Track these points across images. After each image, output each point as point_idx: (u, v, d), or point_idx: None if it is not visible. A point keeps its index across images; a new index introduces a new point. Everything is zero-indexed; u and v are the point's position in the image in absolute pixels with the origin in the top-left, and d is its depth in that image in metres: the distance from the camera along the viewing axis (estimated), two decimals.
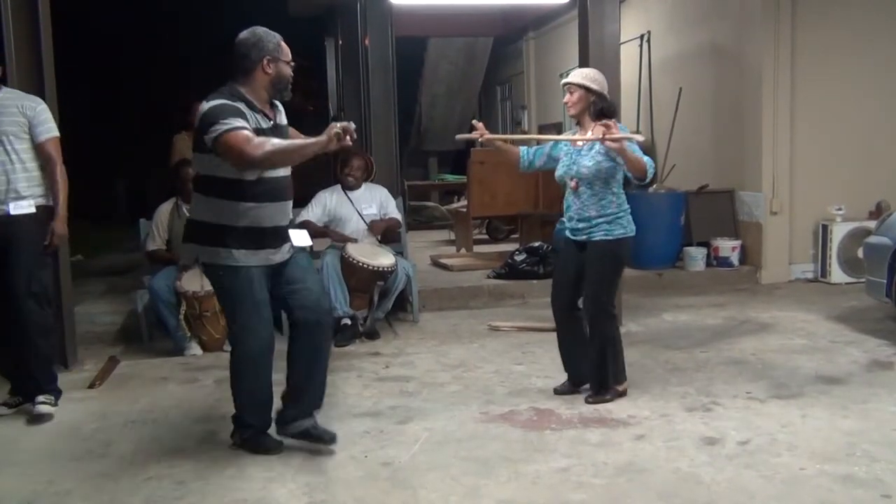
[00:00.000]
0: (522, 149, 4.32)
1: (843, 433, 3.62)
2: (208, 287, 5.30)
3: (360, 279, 5.57)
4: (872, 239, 5.59)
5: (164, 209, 5.69)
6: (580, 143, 4.06)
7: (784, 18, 7.18)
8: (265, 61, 3.36)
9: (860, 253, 6.07)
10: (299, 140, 3.34)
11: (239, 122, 3.19)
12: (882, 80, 7.36)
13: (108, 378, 4.84)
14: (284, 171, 3.45)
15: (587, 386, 4.18)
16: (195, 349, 5.36)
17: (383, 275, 5.62)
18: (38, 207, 4.12)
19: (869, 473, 3.17)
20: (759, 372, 4.60)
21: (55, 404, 4.14)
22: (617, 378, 4.15)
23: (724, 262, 7.48)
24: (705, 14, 8.15)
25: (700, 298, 6.75)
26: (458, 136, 4.44)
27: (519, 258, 7.13)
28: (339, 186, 6.04)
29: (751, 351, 5.05)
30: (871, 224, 6.34)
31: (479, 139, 4.16)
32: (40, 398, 4.10)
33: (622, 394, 4.14)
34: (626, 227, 4.06)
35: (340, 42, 11.40)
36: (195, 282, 5.34)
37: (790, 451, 3.42)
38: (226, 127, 3.16)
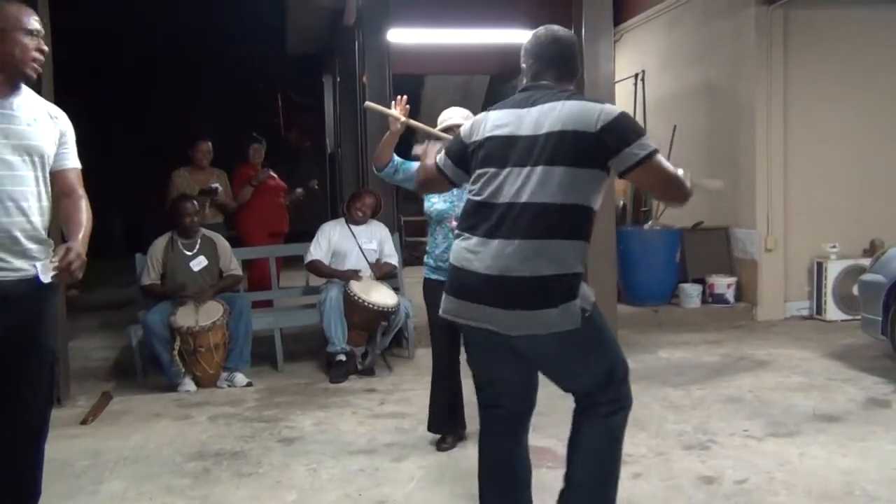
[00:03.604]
0: (395, 156, 3.99)
1: (842, 472, 3.60)
2: (203, 322, 5.31)
3: (365, 318, 5.56)
4: (867, 276, 5.60)
5: (160, 244, 5.69)
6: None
7: (776, 58, 7.28)
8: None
9: (855, 290, 6.08)
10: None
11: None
12: (875, 119, 7.44)
13: (100, 414, 4.80)
14: None
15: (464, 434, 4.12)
16: (189, 385, 5.33)
17: (387, 315, 5.62)
18: None
19: None
20: (755, 409, 4.58)
21: None
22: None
23: (720, 298, 7.48)
24: (699, 54, 8.25)
25: (696, 335, 6.74)
26: (368, 105, 4.10)
27: None
28: (342, 220, 6.06)
29: (747, 388, 5.03)
30: (866, 262, 6.37)
31: (398, 121, 3.75)
32: None
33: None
34: None
35: (338, 79, 11.52)
36: (189, 317, 5.33)
37: (788, 490, 3.40)
38: (655, 145, 2.51)
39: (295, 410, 4.78)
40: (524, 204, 2.49)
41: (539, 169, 2.49)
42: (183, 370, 5.31)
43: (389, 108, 3.85)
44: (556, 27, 2.80)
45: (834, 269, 7.18)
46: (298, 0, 9.58)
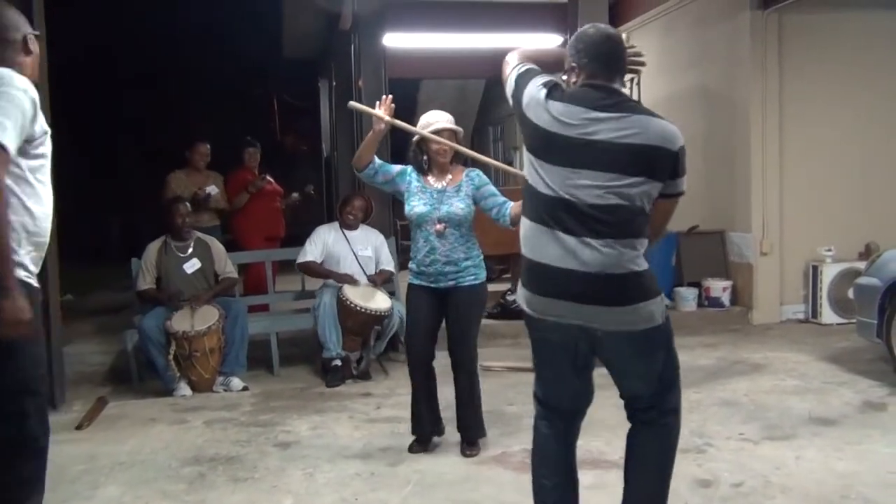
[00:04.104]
0: (375, 158, 4.00)
1: (838, 475, 3.60)
2: (199, 327, 5.29)
3: (357, 322, 5.55)
4: (862, 280, 5.61)
5: (153, 247, 5.68)
6: (442, 183, 4.00)
7: (772, 62, 7.30)
8: None
9: (851, 294, 6.09)
10: None
11: None
12: (869, 122, 7.45)
13: (96, 419, 4.79)
14: None
15: (436, 440, 4.10)
16: (184, 390, 5.32)
17: (380, 319, 5.61)
18: None
19: None
20: (751, 413, 4.59)
21: None
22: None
23: (716, 302, 7.49)
24: (694, 58, 8.27)
25: (692, 339, 6.74)
26: (352, 104, 4.12)
27: (511, 298, 7.12)
28: (336, 224, 6.06)
29: (743, 392, 5.04)
30: (861, 265, 6.38)
31: (382, 120, 3.78)
32: None
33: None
34: (485, 272, 4.09)
35: (334, 83, 11.53)
36: (185, 321, 5.32)
37: (784, 493, 3.40)
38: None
39: (291, 415, 4.78)
40: (612, 205, 2.57)
41: (625, 176, 2.57)
42: (178, 375, 5.30)
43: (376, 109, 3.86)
44: (602, 25, 2.82)
45: (829, 273, 7.19)
46: (295, 4, 9.60)
